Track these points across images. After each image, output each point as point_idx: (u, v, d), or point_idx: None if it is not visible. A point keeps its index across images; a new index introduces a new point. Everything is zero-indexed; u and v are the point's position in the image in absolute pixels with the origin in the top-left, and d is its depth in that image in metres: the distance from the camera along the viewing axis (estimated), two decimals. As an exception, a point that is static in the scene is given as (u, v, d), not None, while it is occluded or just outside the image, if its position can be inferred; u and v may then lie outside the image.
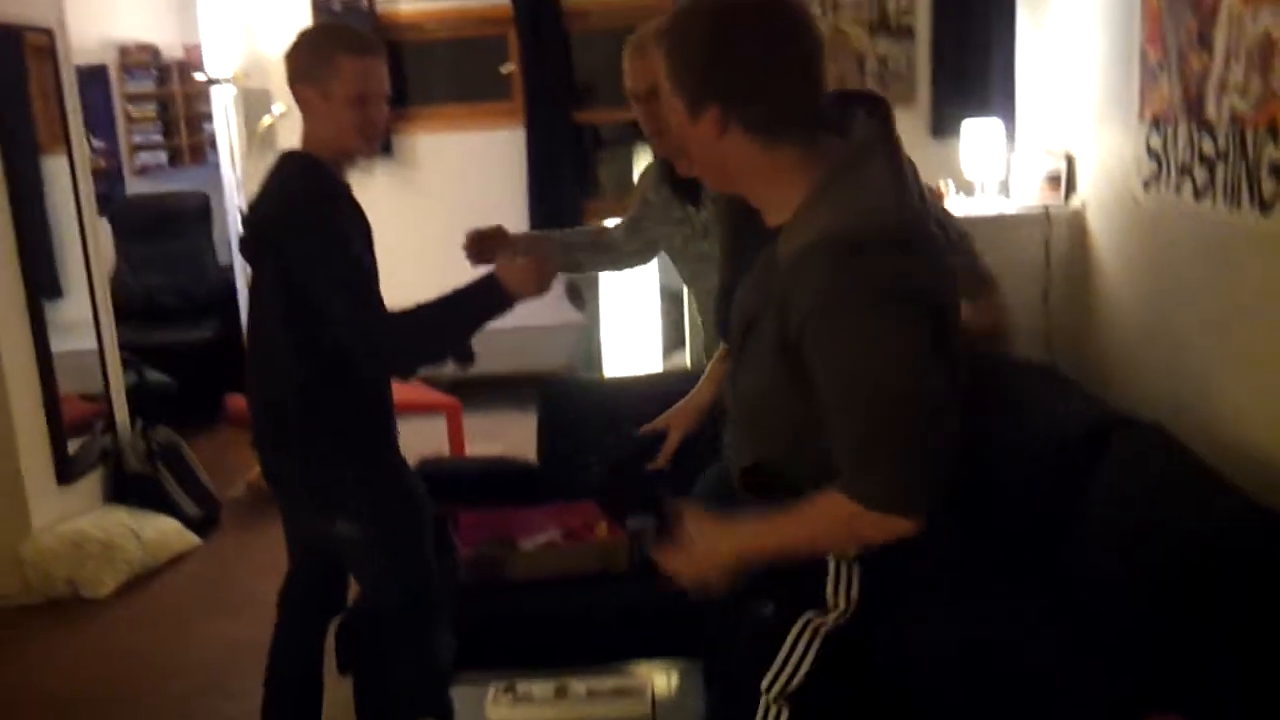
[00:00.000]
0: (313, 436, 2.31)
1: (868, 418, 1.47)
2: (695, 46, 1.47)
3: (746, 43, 1.44)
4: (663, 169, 2.29)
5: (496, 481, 3.25)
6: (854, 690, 1.71)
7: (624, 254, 2.60)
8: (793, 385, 1.51)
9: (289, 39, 2.23)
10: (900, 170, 1.55)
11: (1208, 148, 2.43)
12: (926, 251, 1.50)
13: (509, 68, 6.84)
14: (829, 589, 1.62)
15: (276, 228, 2.19)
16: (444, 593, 2.47)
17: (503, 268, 2.17)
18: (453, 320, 2.21)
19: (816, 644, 1.63)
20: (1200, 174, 2.47)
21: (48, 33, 4.29)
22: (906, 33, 5.26)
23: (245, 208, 5.87)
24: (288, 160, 2.25)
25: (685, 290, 3.23)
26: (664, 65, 1.52)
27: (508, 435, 4.95)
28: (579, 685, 2.40)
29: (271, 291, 2.26)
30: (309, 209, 2.16)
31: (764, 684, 1.65)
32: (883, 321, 1.42)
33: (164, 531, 4.24)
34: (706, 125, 1.48)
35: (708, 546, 1.63)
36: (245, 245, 2.29)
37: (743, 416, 1.72)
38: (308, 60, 2.16)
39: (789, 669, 1.63)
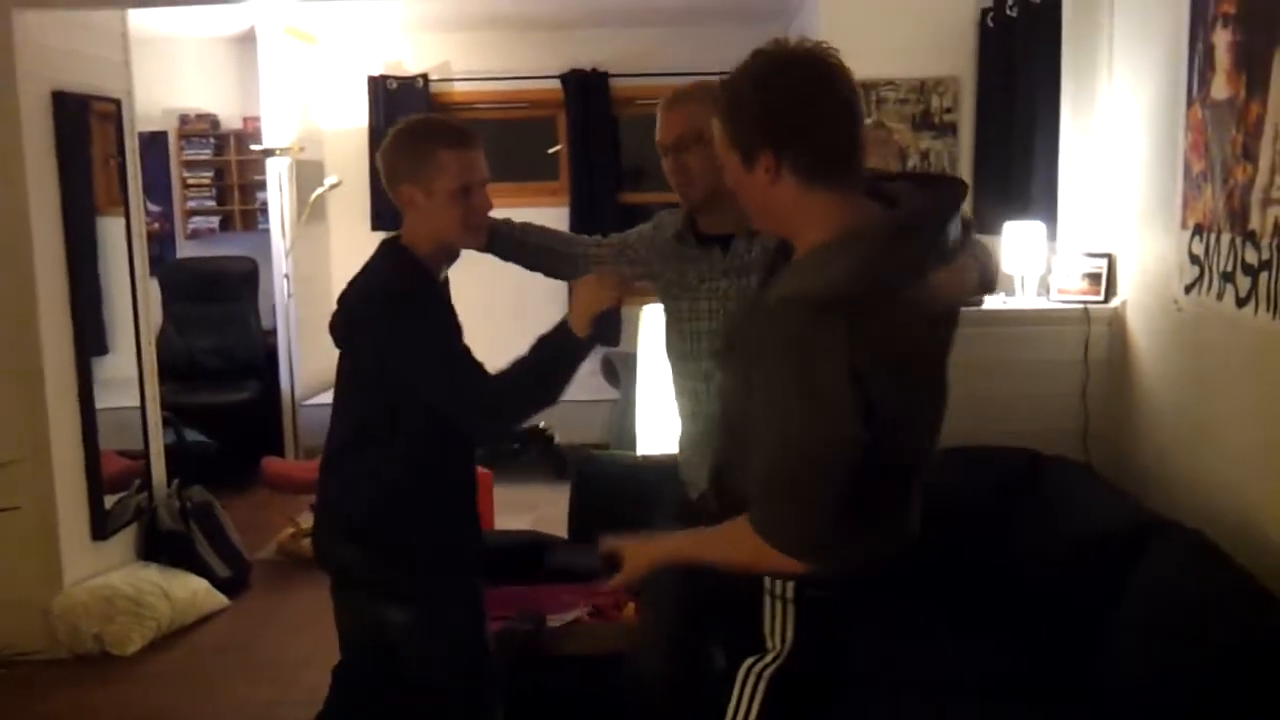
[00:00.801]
0: (392, 533, 2.29)
1: (769, 458, 1.60)
2: (749, 101, 1.63)
3: (793, 95, 1.61)
4: (686, 221, 2.31)
5: (527, 557, 3.25)
6: None
7: (580, 256, 2.50)
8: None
9: (387, 136, 2.23)
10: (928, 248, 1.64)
11: (1250, 256, 2.45)
12: (889, 318, 1.57)
13: (557, 148, 6.99)
14: (766, 630, 1.73)
15: (366, 312, 2.23)
16: (496, 671, 2.45)
17: (575, 294, 2.26)
18: (546, 366, 2.24)
19: (762, 687, 1.72)
20: (1243, 281, 2.48)
21: (115, 101, 4.45)
22: (950, 130, 5.33)
23: (290, 273, 6.03)
24: (385, 249, 2.29)
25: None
26: (719, 123, 1.68)
27: (538, 508, 4.96)
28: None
29: (356, 376, 2.30)
30: (401, 294, 2.19)
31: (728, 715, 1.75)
32: (800, 372, 1.54)
33: (193, 591, 4.26)
34: (760, 173, 1.63)
35: (635, 556, 1.80)
36: (334, 328, 2.29)
37: (723, 419, 1.87)
38: (408, 159, 2.19)
39: (740, 714, 1.74)
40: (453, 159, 2.16)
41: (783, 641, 1.73)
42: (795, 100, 1.61)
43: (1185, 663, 2.05)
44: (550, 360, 2.23)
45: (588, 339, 2.22)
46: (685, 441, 2.40)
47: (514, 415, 2.30)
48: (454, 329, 2.27)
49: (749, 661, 1.75)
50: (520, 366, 2.22)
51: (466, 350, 2.23)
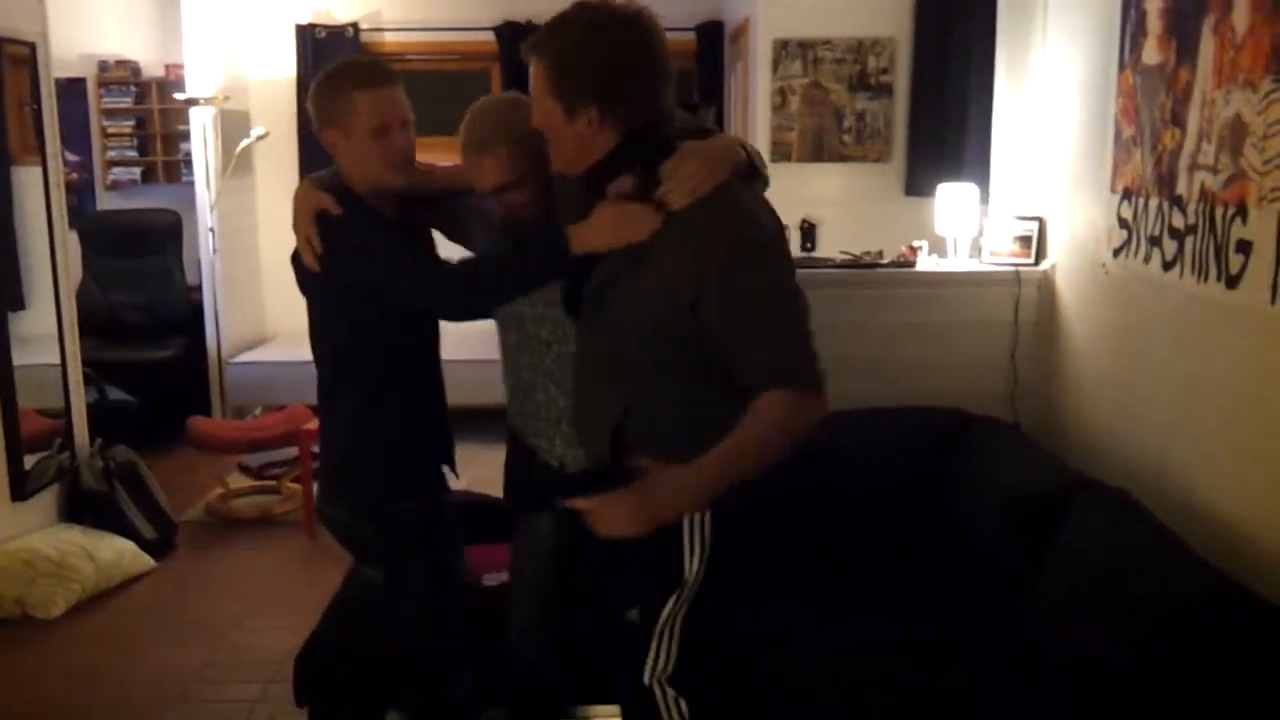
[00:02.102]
0: (351, 485, 2.32)
1: (777, 328, 1.80)
2: (579, 57, 1.76)
3: (620, 52, 1.77)
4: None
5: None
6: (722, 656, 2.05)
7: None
8: (686, 327, 1.80)
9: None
10: None
11: (1178, 221, 2.49)
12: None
13: (490, 103, 6.88)
14: (686, 559, 1.87)
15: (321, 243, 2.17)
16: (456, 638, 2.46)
17: (599, 214, 1.93)
18: (523, 261, 2.08)
19: (679, 627, 1.92)
20: (1170, 246, 2.53)
21: (29, 45, 4.27)
22: (885, 91, 5.35)
23: (215, 227, 5.89)
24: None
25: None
26: (542, 71, 1.79)
27: (471, 469, 4.93)
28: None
29: (317, 324, 2.30)
30: (340, 218, 2.14)
31: (644, 678, 1.94)
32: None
33: (119, 552, 4.17)
34: (581, 124, 1.78)
35: (631, 508, 1.78)
36: (299, 281, 2.26)
37: (608, 367, 1.94)
38: (328, 102, 2.17)
39: (663, 657, 1.93)
40: (365, 98, 2.14)
41: (702, 561, 1.88)
42: (622, 58, 1.76)
43: (1109, 620, 2.09)
44: (530, 258, 2.06)
45: (574, 263, 1.99)
46: (527, 409, 2.34)
47: (481, 289, 2.15)
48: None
49: (669, 605, 1.91)
50: (496, 252, 2.17)
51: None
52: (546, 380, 2.28)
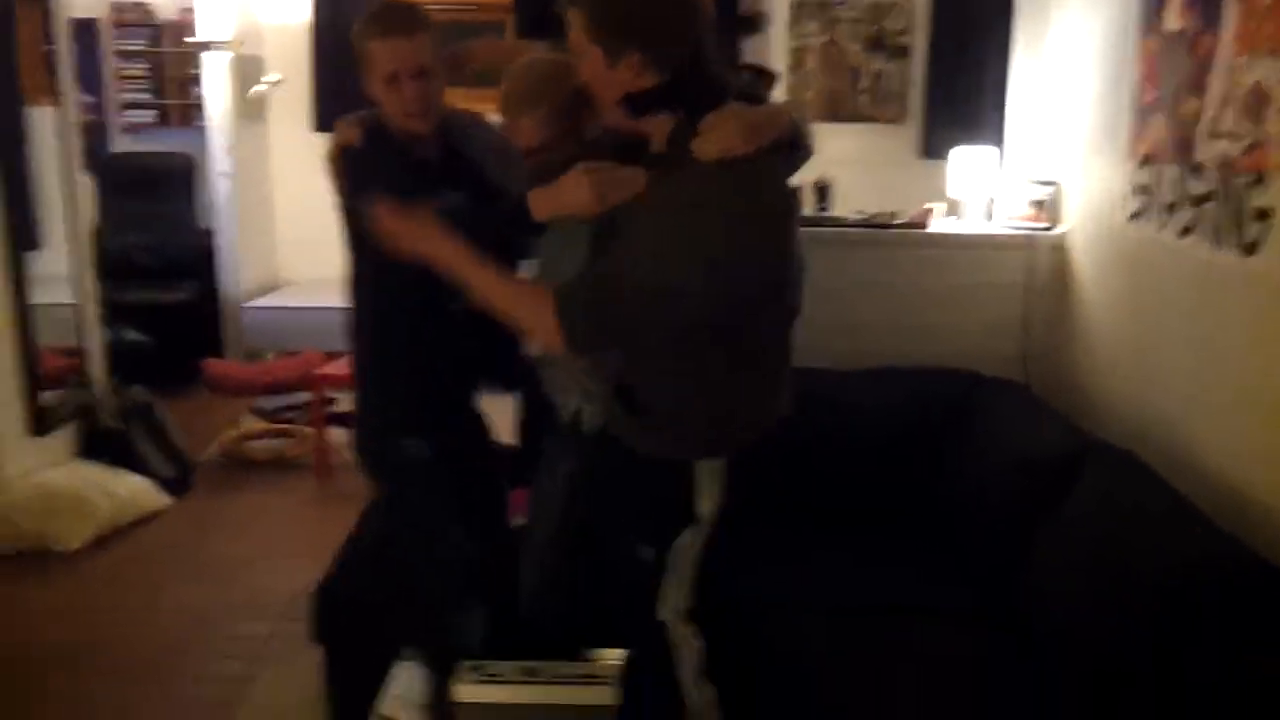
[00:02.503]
0: (367, 405, 2.44)
1: None
2: (611, 4, 1.78)
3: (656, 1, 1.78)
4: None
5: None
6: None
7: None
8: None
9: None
10: None
11: (1195, 188, 2.52)
12: None
13: (505, 54, 6.86)
14: (698, 500, 1.96)
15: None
16: (468, 573, 2.50)
17: (562, 182, 1.93)
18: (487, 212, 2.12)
19: (694, 563, 1.98)
20: (1186, 213, 2.56)
21: (44, -16, 4.27)
22: (902, 52, 5.34)
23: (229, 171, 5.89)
24: None
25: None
26: (582, 23, 1.80)
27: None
28: (548, 669, 2.45)
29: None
30: (355, 155, 2.20)
31: (659, 614, 2.00)
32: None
33: (135, 490, 4.23)
34: (623, 69, 1.78)
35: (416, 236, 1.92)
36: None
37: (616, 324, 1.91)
38: (357, 49, 2.21)
39: (677, 591, 1.99)
40: (378, 48, 2.15)
41: (713, 504, 1.97)
42: (663, 5, 1.78)
43: (1113, 583, 2.10)
44: (485, 219, 2.08)
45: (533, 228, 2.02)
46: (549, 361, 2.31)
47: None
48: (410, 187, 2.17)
49: (683, 537, 1.98)
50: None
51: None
52: None
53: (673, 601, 2.02)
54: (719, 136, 1.77)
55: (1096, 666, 2.08)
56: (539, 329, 1.88)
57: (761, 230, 1.82)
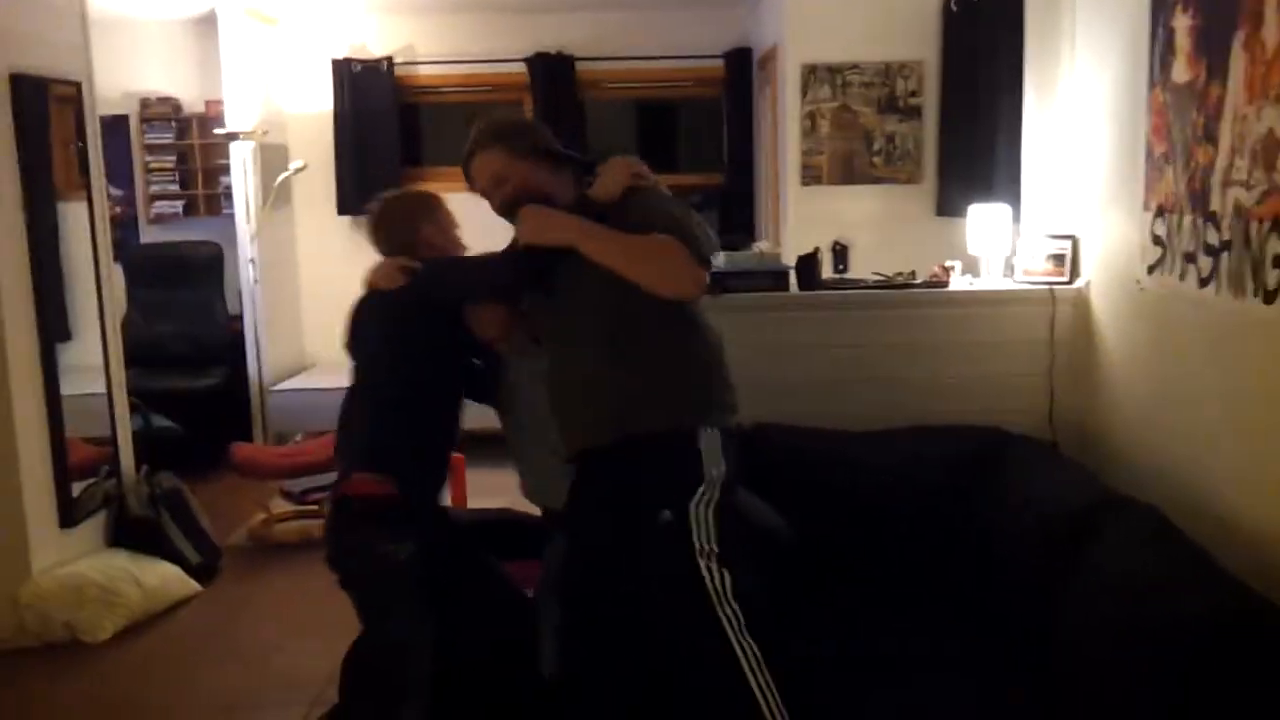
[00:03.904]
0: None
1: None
2: (521, 135, 2.56)
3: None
4: None
5: (504, 533, 3.26)
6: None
7: None
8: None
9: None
10: None
11: (1212, 238, 2.50)
12: None
13: (523, 132, 6.97)
14: (705, 466, 2.27)
15: None
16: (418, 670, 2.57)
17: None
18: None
19: (713, 511, 2.25)
20: (1205, 262, 2.54)
21: (75, 84, 4.39)
22: (915, 113, 5.38)
23: (255, 258, 6.01)
24: None
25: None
26: (505, 153, 2.50)
27: (509, 491, 4.96)
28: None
29: None
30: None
31: (691, 558, 2.20)
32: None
33: (165, 577, 4.24)
34: (540, 165, 2.52)
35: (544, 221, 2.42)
36: None
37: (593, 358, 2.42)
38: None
39: (704, 535, 2.22)
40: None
41: (719, 471, 2.29)
42: (539, 126, 2.67)
43: (1137, 639, 2.07)
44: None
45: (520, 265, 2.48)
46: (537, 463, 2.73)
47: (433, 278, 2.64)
48: None
49: (695, 494, 2.25)
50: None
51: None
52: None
53: (702, 544, 2.22)
54: (612, 180, 2.47)
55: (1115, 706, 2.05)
56: (688, 279, 2.32)
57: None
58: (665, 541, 2.24)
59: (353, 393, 2.74)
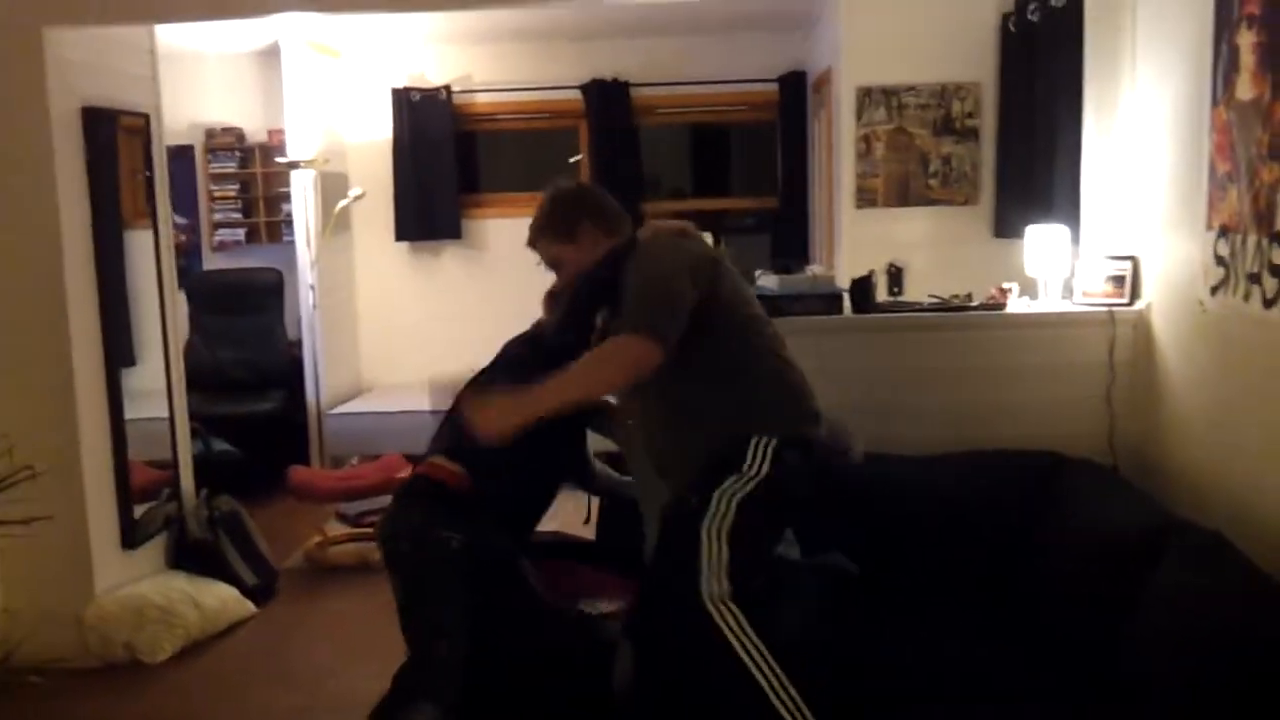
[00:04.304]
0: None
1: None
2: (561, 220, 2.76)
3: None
4: None
5: (557, 553, 3.28)
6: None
7: None
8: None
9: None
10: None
11: (1277, 257, 2.44)
12: None
13: (579, 158, 7.03)
14: (747, 460, 2.37)
15: None
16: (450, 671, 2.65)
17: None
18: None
19: (736, 502, 2.32)
20: (1270, 283, 2.47)
21: (144, 116, 4.50)
22: (971, 134, 5.33)
23: (315, 284, 6.11)
24: None
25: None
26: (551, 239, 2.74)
27: (560, 513, 4.96)
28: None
29: None
30: None
31: (701, 527, 2.30)
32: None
33: (222, 599, 4.29)
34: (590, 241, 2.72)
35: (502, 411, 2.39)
36: None
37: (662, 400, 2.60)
38: None
39: (720, 511, 2.31)
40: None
41: (758, 470, 2.37)
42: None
43: (1203, 663, 2.04)
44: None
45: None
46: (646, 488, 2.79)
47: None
48: None
49: (726, 481, 2.35)
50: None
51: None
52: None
53: (716, 520, 2.31)
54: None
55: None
56: (630, 358, 2.36)
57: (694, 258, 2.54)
58: (682, 520, 2.36)
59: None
